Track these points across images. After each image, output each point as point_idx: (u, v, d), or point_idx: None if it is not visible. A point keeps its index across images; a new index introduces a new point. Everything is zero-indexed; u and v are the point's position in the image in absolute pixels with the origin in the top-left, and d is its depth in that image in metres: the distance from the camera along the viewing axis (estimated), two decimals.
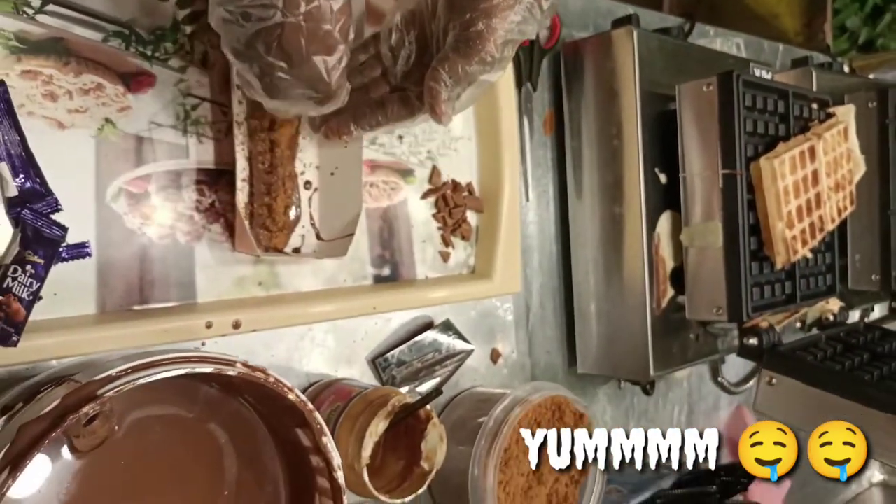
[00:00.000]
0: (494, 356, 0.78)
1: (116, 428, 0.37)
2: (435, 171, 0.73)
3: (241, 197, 0.58)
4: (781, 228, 0.73)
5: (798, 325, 1.00)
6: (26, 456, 0.30)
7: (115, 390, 0.32)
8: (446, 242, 0.74)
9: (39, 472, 0.36)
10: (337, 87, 0.46)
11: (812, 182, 0.78)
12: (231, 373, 0.36)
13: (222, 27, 0.44)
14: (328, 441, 0.40)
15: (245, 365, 0.37)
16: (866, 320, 0.99)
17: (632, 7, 0.96)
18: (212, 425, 0.42)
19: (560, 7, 0.86)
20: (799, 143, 0.77)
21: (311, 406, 0.39)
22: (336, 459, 0.40)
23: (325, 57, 0.44)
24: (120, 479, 0.38)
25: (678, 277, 0.79)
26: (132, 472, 0.39)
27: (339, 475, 0.40)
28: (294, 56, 0.43)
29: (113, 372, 0.33)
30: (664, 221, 0.79)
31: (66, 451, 0.37)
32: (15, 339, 0.46)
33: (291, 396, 0.38)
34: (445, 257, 0.74)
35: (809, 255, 0.81)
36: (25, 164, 0.49)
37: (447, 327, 0.72)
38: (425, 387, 0.71)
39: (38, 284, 0.48)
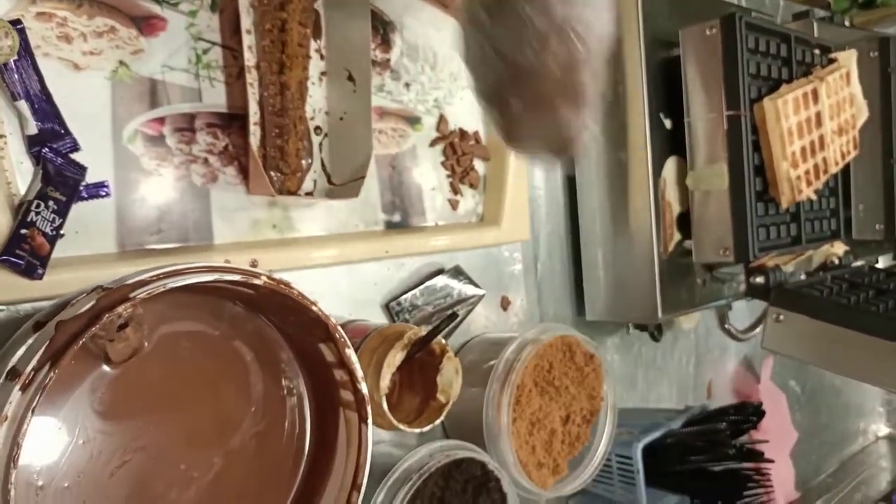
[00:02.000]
0: (504, 304, 0.79)
1: (146, 344, 0.38)
2: (442, 120, 0.73)
3: (254, 140, 0.59)
4: (786, 168, 0.74)
5: (799, 272, 1.01)
6: (66, 350, 0.31)
7: (147, 292, 0.33)
8: (455, 190, 0.75)
9: (76, 377, 0.37)
10: (576, 135, 0.44)
11: (815, 124, 0.79)
12: (257, 282, 0.37)
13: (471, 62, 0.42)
14: (351, 354, 0.41)
15: (269, 277, 0.38)
16: (871, 264, 1.00)
17: None
18: (237, 342, 0.43)
19: None
20: (802, 84, 0.78)
21: (333, 320, 0.40)
22: (359, 372, 0.41)
23: (570, 109, 0.42)
24: (150, 393, 0.40)
25: (685, 222, 0.80)
26: (162, 386, 0.40)
27: (363, 387, 0.41)
28: (541, 105, 0.42)
29: (144, 277, 0.34)
30: (670, 167, 0.79)
31: (99, 362, 0.38)
32: (41, 271, 0.48)
33: (315, 309, 0.39)
34: (454, 205, 0.75)
35: (814, 197, 0.81)
36: (44, 103, 0.50)
37: (458, 272, 0.73)
38: None
39: (61, 220, 0.49)
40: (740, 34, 0.74)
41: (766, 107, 0.73)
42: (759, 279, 0.76)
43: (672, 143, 0.80)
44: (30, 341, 0.37)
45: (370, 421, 0.42)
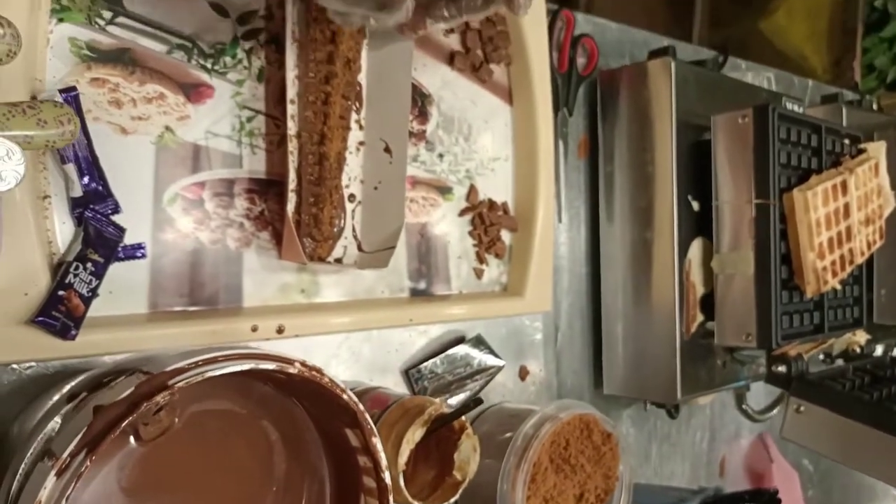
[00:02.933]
0: (523, 373, 0.79)
1: (177, 420, 0.39)
2: (473, 190, 0.74)
3: (290, 207, 0.60)
4: (813, 259, 0.74)
5: (822, 356, 1.00)
6: (103, 438, 0.31)
7: (186, 381, 0.34)
8: (481, 259, 0.75)
9: (106, 455, 0.38)
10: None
11: (843, 215, 0.79)
12: (291, 370, 0.37)
13: None
14: (377, 442, 0.41)
15: (303, 364, 0.38)
16: (892, 354, 0.99)
17: (666, 39, 0.98)
18: (264, 422, 0.43)
19: (597, 36, 0.88)
20: (831, 176, 0.79)
21: (362, 407, 0.40)
22: (383, 460, 0.41)
23: None
24: (176, 470, 0.40)
25: (708, 303, 0.80)
26: (188, 464, 0.40)
27: (386, 475, 0.41)
28: None
29: (183, 364, 0.34)
30: (695, 248, 0.80)
31: (130, 440, 0.38)
32: (74, 332, 0.48)
33: (344, 397, 0.39)
34: (479, 274, 0.75)
35: (838, 287, 0.81)
36: (91, 166, 0.51)
37: (479, 342, 0.73)
38: (456, 399, 0.72)
39: (97, 282, 0.50)
40: (772, 125, 0.75)
41: (796, 197, 0.74)
42: (781, 368, 0.76)
43: (699, 224, 0.81)
44: (61, 416, 0.37)
45: None
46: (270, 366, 0.36)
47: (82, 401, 0.37)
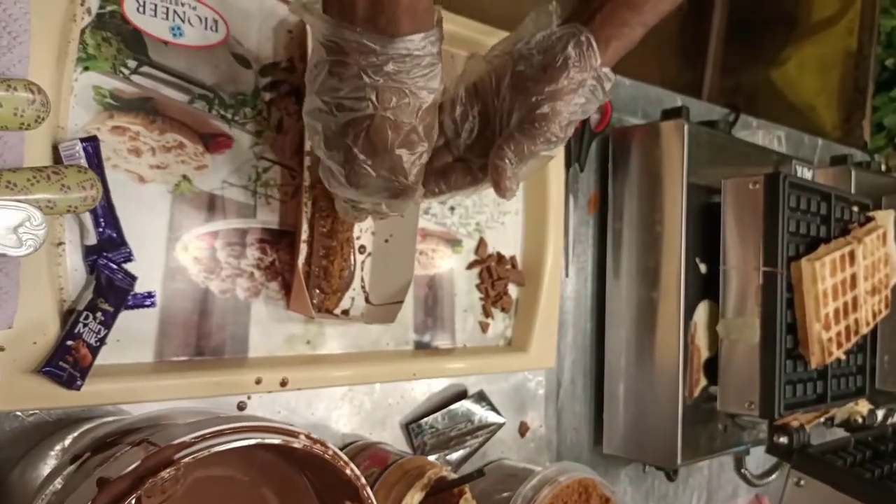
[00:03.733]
0: (522, 429, 0.79)
1: (178, 487, 0.38)
2: (482, 243, 0.74)
3: (301, 259, 0.60)
4: (818, 330, 0.74)
5: (822, 420, 0.99)
6: None
7: (192, 457, 0.33)
8: (486, 313, 0.75)
9: None
10: (414, 183, 0.48)
11: (850, 286, 0.79)
12: (296, 445, 0.37)
13: (316, 116, 0.47)
14: None
15: (308, 437, 0.38)
16: (894, 424, 0.99)
17: (679, 96, 0.99)
18: (264, 489, 0.43)
19: (611, 93, 0.88)
20: (840, 246, 0.79)
21: (364, 481, 0.40)
22: None
23: (408, 152, 0.46)
24: None
25: (711, 367, 0.80)
26: None
27: None
28: (379, 147, 0.45)
29: (189, 438, 0.34)
30: (701, 311, 0.80)
31: None
32: (79, 383, 0.48)
33: (347, 471, 0.39)
34: (484, 328, 0.75)
35: (843, 357, 0.81)
36: (107, 214, 0.51)
37: (481, 398, 0.73)
38: (455, 455, 0.71)
39: (106, 331, 0.50)
40: (783, 192, 0.75)
41: (804, 267, 0.74)
42: (783, 439, 0.76)
43: (705, 287, 0.81)
44: (63, 478, 0.37)
45: None
46: (276, 440, 0.36)
47: (85, 462, 0.37)
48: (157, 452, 0.33)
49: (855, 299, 0.80)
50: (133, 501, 0.37)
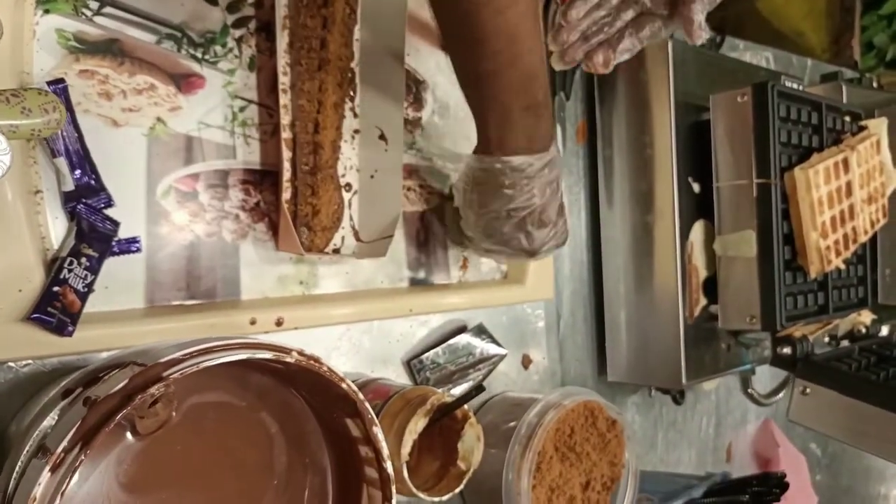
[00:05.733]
0: (525, 362, 0.78)
1: (174, 413, 0.38)
2: None
3: (286, 197, 0.59)
4: (816, 238, 0.73)
5: (826, 338, 0.99)
6: (97, 432, 0.31)
7: (181, 372, 0.33)
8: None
9: (103, 449, 0.37)
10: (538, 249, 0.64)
11: (846, 193, 0.78)
12: (288, 360, 0.36)
13: (488, 224, 0.64)
14: (378, 431, 0.40)
15: (301, 353, 0.38)
16: None
17: None
18: (262, 414, 0.43)
19: None
20: (832, 154, 0.78)
21: (361, 396, 0.40)
22: (385, 450, 0.40)
23: (546, 229, 0.63)
24: (175, 463, 0.39)
25: (711, 287, 0.79)
26: (187, 457, 0.40)
27: (388, 465, 0.40)
28: (547, 223, 0.63)
29: (178, 355, 0.34)
30: (697, 230, 0.79)
31: (127, 434, 0.37)
32: (71, 329, 0.48)
33: (343, 386, 0.39)
34: (478, 262, 0.74)
35: (842, 267, 0.81)
36: (82, 159, 0.50)
37: (480, 331, 0.73)
38: (458, 389, 0.71)
39: (93, 277, 0.49)
40: (772, 103, 0.74)
41: (798, 176, 0.73)
42: (786, 350, 0.75)
43: (700, 206, 0.80)
44: (56, 412, 0.37)
45: (394, 501, 0.41)
46: (267, 355, 0.36)
47: (77, 396, 0.36)
48: (144, 370, 0.33)
49: (851, 207, 0.79)
50: (128, 428, 0.37)
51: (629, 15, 0.55)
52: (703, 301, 0.79)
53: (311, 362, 0.38)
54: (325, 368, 0.38)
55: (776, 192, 0.74)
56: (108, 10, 0.52)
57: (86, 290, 0.49)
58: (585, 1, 0.56)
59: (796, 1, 1.61)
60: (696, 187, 0.80)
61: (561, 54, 0.56)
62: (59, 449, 0.31)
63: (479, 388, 0.54)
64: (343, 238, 0.64)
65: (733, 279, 0.77)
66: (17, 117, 0.33)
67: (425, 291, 0.69)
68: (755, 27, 1.68)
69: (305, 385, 0.42)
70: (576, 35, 0.55)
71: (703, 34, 0.52)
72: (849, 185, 0.79)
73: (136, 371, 0.33)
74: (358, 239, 0.65)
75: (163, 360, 0.33)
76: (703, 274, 0.79)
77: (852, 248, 0.80)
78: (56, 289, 0.47)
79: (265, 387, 0.42)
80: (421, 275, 0.70)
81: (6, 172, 0.33)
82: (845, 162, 0.78)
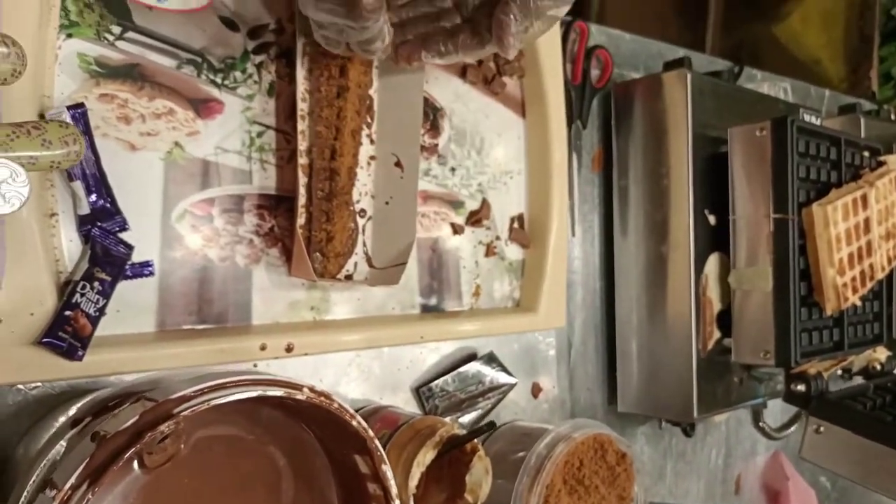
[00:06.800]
0: (535, 391, 0.78)
1: (182, 446, 0.38)
2: (485, 204, 0.73)
3: (300, 223, 0.59)
4: (833, 275, 0.73)
5: (840, 372, 0.98)
6: (106, 470, 0.30)
7: (191, 410, 0.33)
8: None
9: (110, 483, 0.37)
10: (369, 6, 0.47)
11: (864, 230, 0.77)
12: (299, 397, 0.36)
13: None
14: (387, 469, 0.40)
15: (311, 390, 0.37)
16: None
17: (681, 50, 0.97)
18: (271, 448, 0.42)
19: (611, 48, 0.87)
20: (851, 190, 0.77)
21: (371, 433, 0.39)
22: (394, 489, 0.40)
23: None
24: (182, 496, 0.39)
25: (725, 320, 0.79)
26: (194, 490, 0.39)
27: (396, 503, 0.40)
28: None
29: (188, 392, 0.34)
30: (712, 263, 0.78)
31: (134, 466, 0.37)
32: (81, 353, 0.47)
33: (354, 423, 0.38)
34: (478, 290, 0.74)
35: (858, 303, 0.80)
36: (98, 183, 0.50)
37: (491, 359, 0.72)
38: (467, 418, 0.71)
39: (105, 301, 0.49)
40: (791, 138, 0.73)
41: (816, 212, 0.72)
42: (800, 387, 0.74)
43: (715, 238, 0.79)
44: (64, 442, 0.37)
45: None
46: (278, 392, 0.35)
47: (86, 426, 0.36)
48: (155, 407, 0.33)
49: (869, 244, 0.78)
50: (136, 462, 0.37)
51: (452, 20, 0.55)
52: (716, 334, 0.78)
53: (322, 399, 0.38)
54: (335, 405, 0.38)
55: (794, 227, 0.73)
56: (130, 34, 0.53)
57: (97, 314, 0.49)
58: None
59: (814, 29, 1.61)
60: (712, 219, 0.79)
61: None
62: (67, 486, 0.30)
63: (490, 425, 0.54)
64: (356, 264, 0.64)
65: (748, 313, 0.76)
66: (37, 149, 0.34)
67: (437, 319, 0.69)
68: (773, 54, 1.68)
69: (315, 420, 0.41)
70: (393, 19, 0.55)
71: (515, 45, 0.51)
72: (867, 221, 0.78)
73: (146, 407, 0.33)
74: (371, 265, 0.65)
75: (173, 396, 0.33)
76: (717, 307, 0.79)
77: (869, 285, 0.79)
78: (68, 313, 0.47)
79: (275, 421, 0.42)
80: (433, 301, 0.70)
81: (24, 204, 0.34)
82: (864, 198, 0.77)
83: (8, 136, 0.32)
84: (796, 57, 1.71)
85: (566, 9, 0.51)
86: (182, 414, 0.32)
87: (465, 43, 0.54)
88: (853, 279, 0.76)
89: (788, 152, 0.73)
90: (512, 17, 0.50)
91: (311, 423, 0.42)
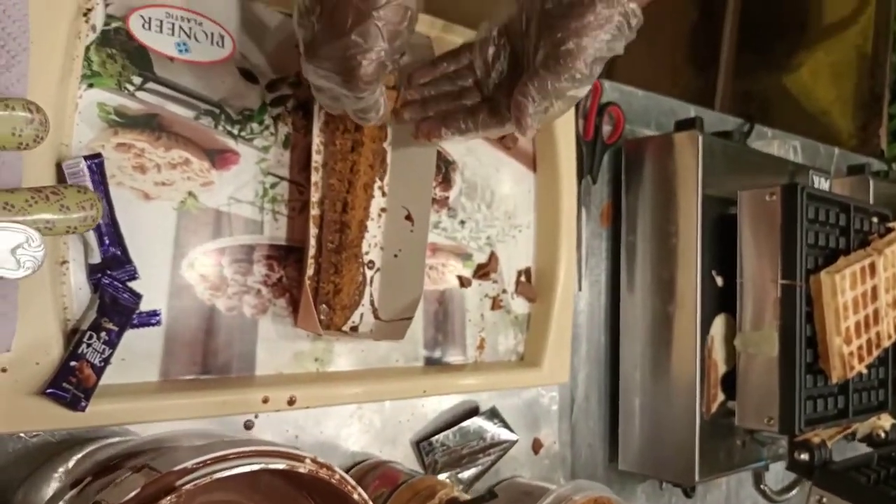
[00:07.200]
0: (536, 446, 0.77)
1: None
2: (493, 257, 0.73)
3: (309, 274, 0.59)
4: (839, 344, 0.72)
5: (843, 435, 0.97)
6: None
7: (194, 484, 0.32)
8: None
9: None
10: (366, 78, 0.47)
11: (871, 298, 0.77)
12: (302, 469, 0.36)
13: None
14: None
15: (314, 461, 0.37)
16: None
17: (692, 107, 0.97)
18: None
19: (624, 104, 0.87)
20: (860, 258, 0.77)
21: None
22: None
23: (363, 41, 0.46)
24: None
25: (729, 382, 0.78)
26: None
27: None
28: (338, 26, 0.46)
29: (191, 464, 0.33)
30: (718, 324, 0.78)
31: None
32: (84, 404, 0.47)
33: (355, 496, 0.38)
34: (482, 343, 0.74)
35: (864, 371, 0.79)
36: (111, 232, 0.51)
37: (493, 415, 0.72)
38: (467, 473, 0.70)
39: (111, 351, 0.49)
40: (801, 204, 0.74)
41: (824, 280, 0.72)
42: (804, 456, 0.74)
43: (722, 300, 0.79)
44: (65, 502, 0.36)
45: None
46: (281, 465, 0.35)
47: (86, 487, 0.36)
48: (158, 479, 0.32)
49: (876, 312, 0.78)
50: None
51: (473, 98, 0.56)
52: (720, 397, 0.78)
53: (324, 470, 0.37)
54: (337, 476, 0.38)
55: (801, 294, 0.73)
56: (150, 85, 0.53)
57: (102, 364, 0.49)
58: (432, 69, 0.58)
59: (824, 82, 1.63)
60: (719, 280, 0.79)
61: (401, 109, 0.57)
62: None
63: (491, 494, 0.53)
64: (362, 315, 0.64)
65: (753, 377, 0.76)
66: (54, 213, 0.34)
67: (440, 372, 0.68)
68: (783, 106, 1.69)
69: (317, 490, 0.41)
70: (415, 96, 0.57)
71: (533, 126, 0.51)
72: (874, 289, 0.78)
73: (149, 478, 0.33)
74: (377, 317, 0.65)
75: (176, 468, 0.33)
76: (722, 369, 0.78)
77: (875, 353, 0.79)
78: (73, 364, 0.47)
79: (276, 490, 0.41)
80: (437, 354, 0.69)
81: (38, 269, 0.34)
82: (872, 266, 0.77)
83: (27, 202, 0.33)
84: (806, 109, 1.73)
85: (586, 90, 0.51)
86: (185, 488, 0.32)
87: (484, 122, 0.55)
88: (860, 348, 0.75)
89: (798, 219, 0.73)
90: (530, 98, 0.50)
91: (311, 492, 0.42)
